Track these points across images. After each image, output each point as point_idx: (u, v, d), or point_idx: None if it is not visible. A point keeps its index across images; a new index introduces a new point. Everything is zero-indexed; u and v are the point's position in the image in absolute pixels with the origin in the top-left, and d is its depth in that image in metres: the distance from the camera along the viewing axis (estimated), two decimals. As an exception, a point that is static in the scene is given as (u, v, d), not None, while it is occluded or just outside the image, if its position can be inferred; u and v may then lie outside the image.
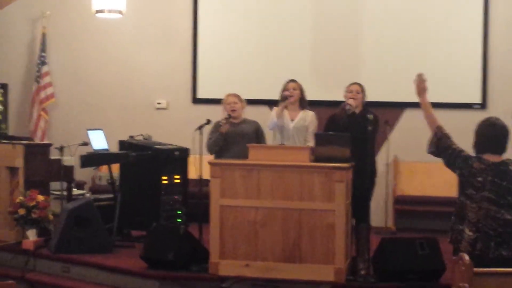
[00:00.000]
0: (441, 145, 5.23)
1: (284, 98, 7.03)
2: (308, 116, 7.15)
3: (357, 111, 6.82)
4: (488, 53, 9.43)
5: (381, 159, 8.50)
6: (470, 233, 5.01)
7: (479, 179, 5.03)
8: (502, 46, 9.43)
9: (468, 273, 4.15)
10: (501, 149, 5.12)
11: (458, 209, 5.13)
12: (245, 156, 6.96)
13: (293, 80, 7.24)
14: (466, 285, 4.01)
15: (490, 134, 5.11)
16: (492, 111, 8.94)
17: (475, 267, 4.28)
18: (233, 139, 7.31)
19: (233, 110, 7.34)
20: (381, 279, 6.30)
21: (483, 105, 9.40)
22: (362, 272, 6.49)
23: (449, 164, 5.22)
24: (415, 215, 9.32)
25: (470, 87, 9.46)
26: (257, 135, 7.41)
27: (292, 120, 7.12)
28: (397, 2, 9.67)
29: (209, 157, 7.26)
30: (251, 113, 7.84)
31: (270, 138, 7.52)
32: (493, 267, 4.47)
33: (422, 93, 5.42)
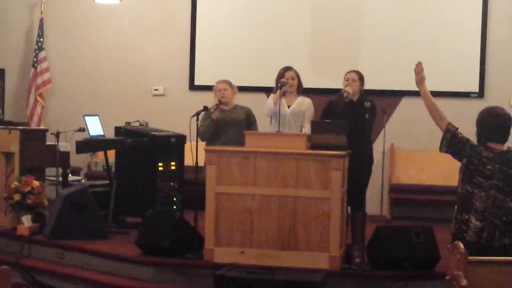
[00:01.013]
0: (453, 142, 5.17)
1: (281, 85, 6.99)
2: (305, 103, 7.12)
3: (355, 98, 6.79)
4: (486, 42, 9.41)
5: (378, 147, 8.48)
6: (477, 222, 5.00)
7: (489, 167, 5.02)
8: (500, 35, 9.41)
9: (463, 261, 4.15)
10: (506, 138, 5.12)
11: (462, 198, 5.10)
12: (235, 142, 6.97)
13: (289, 68, 7.19)
14: (461, 273, 4.00)
15: (495, 124, 5.10)
16: (490, 100, 8.96)
17: (481, 256, 4.28)
18: (224, 126, 7.29)
19: (223, 97, 7.32)
20: (376, 267, 6.31)
21: (480, 94, 9.39)
22: (357, 260, 6.48)
23: (455, 153, 5.18)
24: (411, 203, 9.33)
25: (468, 76, 9.44)
26: (248, 122, 7.38)
27: (289, 106, 7.09)
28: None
29: (205, 144, 7.25)
30: (247, 100, 7.82)
31: (264, 124, 7.48)
32: (498, 256, 4.46)
33: (421, 83, 5.39)
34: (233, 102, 7.48)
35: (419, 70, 5.41)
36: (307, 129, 6.93)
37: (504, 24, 9.40)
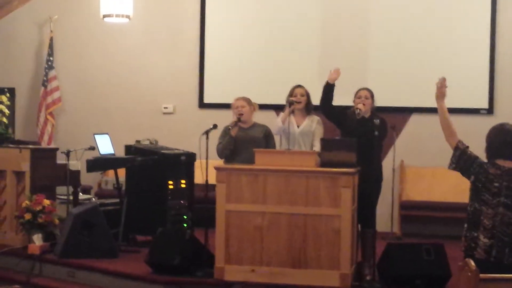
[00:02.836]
0: (462, 160, 5.17)
1: (290, 103, 7.01)
2: (314, 122, 7.13)
3: (366, 115, 6.80)
4: (495, 59, 9.40)
5: (388, 164, 8.47)
6: (486, 240, 4.98)
7: (496, 184, 5.01)
8: (509, 52, 9.40)
9: (474, 279, 4.13)
10: None
11: (471, 216, 5.09)
12: (251, 160, 6.93)
13: (300, 86, 7.21)
14: (473, 291, 4.00)
15: (505, 140, 5.09)
16: (499, 116, 8.94)
17: (491, 274, 4.27)
18: (243, 143, 7.23)
19: (241, 114, 7.28)
20: (387, 284, 6.30)
21: (490, 110, 9.38)
22: (368, 278, 6.48)
23: (463, 171, 5.17)
24: (421, 220, 9.30)
25: (477, 93, 9.44)
26: (267, 140, 7.34)
27: (298, 125, 7.10)
28: (404, 7, 9.65)
29: (215, 162, 7.22)
30: (257, 118, 7.81)
31: (278, 143, 7.49)
32: (509, 273, 4.44)
33: (441, 98, 5.38)
34: (252, 120, 7.43)
35: (441, 85, 5.38)
36: (317, 148, 6.93)
37: (512, 40, 9.41)
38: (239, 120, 7.23)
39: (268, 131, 7.37)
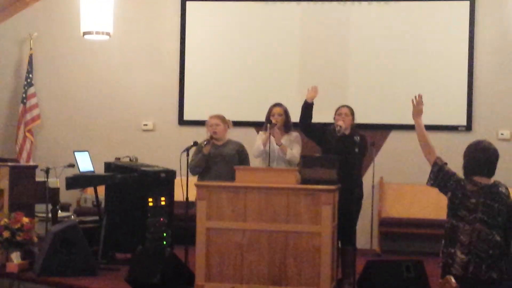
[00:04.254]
0: (440, 176, 5.21)
1: (269, 123, 7.05)
2: (292, 136, 7.17)
3: (346, 133, 6.83)
4: (473, 76, 9.48)
5: (367, 181, 8.49)
6: (462, 256, 5.00)
7: (473, 200, 5.03)
8: (487, 69, 9.50)
9: (455, 296, 4.15)
10: (492, 172, 5.14)
11: (448, 232, 5.11)
12: (225, 177, 6.99)
13: (278, 104, 7.25)
14: (453, 307, 4.01)
15: (482, 158, 5.12)
16: (477, 133, 9.03)
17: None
18: (215, 160, 7.31)
19: (215, 132, 7.35)
20: (368, 301, 6.30)
21: (468, 127, 9.45)
22: (348, 295, 6.49)
23: (441, 187, 5.20)
24: (401, 237, 9.33)
25: (456, 110, 9.51)
26: (240, 156, 7.39)
27: (278, 144, 7.12)
28: (384, 25, 9.72)
29: (195, 179, 7.26)
30: (237, 135, 7.84)
31: (254, 160, 7.50)
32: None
33: (418, 115, 5.42)
34: (226, 137, 7.49)
35: (418, 103, 5.42)
36: (295, 150, 7.04)
37: (490, 58, 9.49)
38: (211, 138, 7.27)
39: (241, 148, 7.42)
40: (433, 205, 8.87)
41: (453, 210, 5.10)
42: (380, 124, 9.55)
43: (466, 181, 5.11)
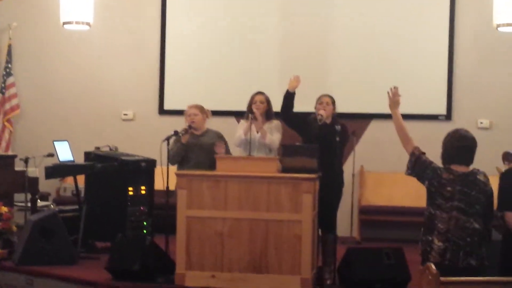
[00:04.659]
0: (417, 165, 5.24)
1: (250, 112, 7.06)
2: (273, 124, 7.18)
3: (327, 122, 6.84)
4: (453, 65, 9.53)
5: (347, 170, 8.51)
6: (440, 244, 5.03)
7: (449, 188, 5.06)
8: (467, 59, 9.54)
9: (435, 282, 4.18)
10: (470, 160, 5.17)
11: (426, 220, 5.15)
12: (204, 166, 7.00)
13: (260, 93, 7.27)
14: (434, 294, 4.04)
15: (460, 146, 5.15)
16: (457, 122, 9.06)
17: (446, 277, 4.31)
18: (193, 149, 7.33)
19: (192, 122, 7.36)
20: (348, 289, 6.34)
21: (448, 117, 9.49)
22: (328, 282, 6.53)
23: (418, 176, 5.24)
24: (380, 225, 9.37)
25: (435, 99, 9.55)
26: None
27: (258, 132, 7.12)
28: (364, 15, 9.73)
29: (176, 168, 7.25)
30: (218, 124, 7.83)
31: (235, 149, 7.51)
32: (463, 277, 4.50)
33: (395, 106, 5.45)
34: (204, 127, 7.51)
35: (394, 94, 5.45)
36: (275, 137, 7.08)
37: (470, 47, 9.54)
38: (190, 127, 7.28)
39: (220, 137, 7.42)
40: (412, 194, 8.90)
41: (430, 199, 5.15)
42: (360, 113, 9.58)
43: (443, 169, 5.14)
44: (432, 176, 5.13)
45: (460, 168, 5.13)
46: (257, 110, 7.09)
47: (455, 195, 5.05)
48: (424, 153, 5.27)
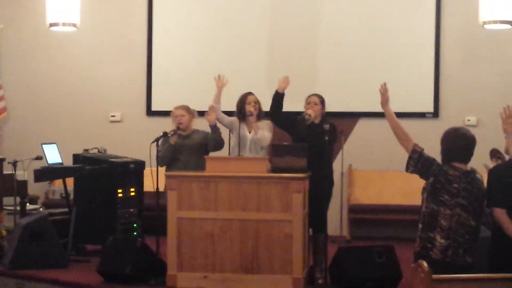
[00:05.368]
0: (421, 162, 5.24)
1: (243, 113, 7.09)
2: (264, 124, 7.17)
3: (316, 121, 6.86)
4: (440, 63, 9.57)
5: (336, 168, 8.49)
6: (442, 241, 5.05)
7: (455, 185, 5.09)
8: (453, 56, 9.58)
9: (428, 280, 4.19)
10: (469, 158, 5.21)
11: (427, 217, 5.16)
12: (193, 167, 7.01)
13: (251, 93, 7.27)
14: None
15: (461, 144, 5.18)
16: (444, 120, 9.12)
17: (445, 274, 4.34)
18: (182, 150, 7.34)
19: (180, 123, 7.37)
20: (339, 287, 6.34)
21: (435, 114, 9.53)
22: (320, 281, 6.55)
23: (422, 173, 5.24)
24: (370, 223, 9.40)
25: (423, 97, 9.59)
26: (208, 141, 7.39)
27: (250, 132, 7.13)
28: (351, 14, 9.75)
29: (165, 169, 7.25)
30: (205, 124, 7.82)
31: (225, 149, 7.51)
32: (462, 274, 4.53)
33: (386, 103, 5.46)
34: (191, 127, 7.51)
35: (384, 91, 5.47)
36: (265, 132, 7.06)
37: (456, 45, 9.58)
38: (178, 128, 7.29)
39: (207, 136, 7.42)
40: (401, 191, 8.96)
41: (434, 195, 5.15)
42: (348, 112, 9.60)
43: (447, 166, 5.17)
44: (438, 172, 5.15)
45: (461, 166, 5.17)
46: (253, 110, 7.09)
47: (460, 192, 5.09)
48: (423, 149, 5.28)
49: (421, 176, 5.24)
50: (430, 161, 5.20)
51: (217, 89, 7.38)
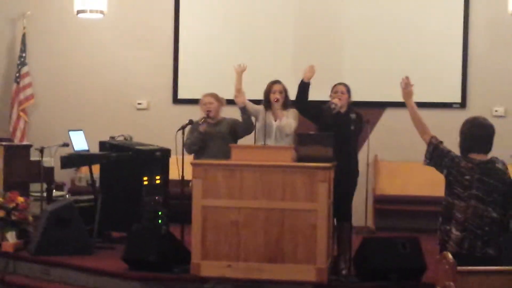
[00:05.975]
0: (435, 154, 5.21)
1: (269, 101, 7.06)
2: (290, 113, 7.13)
3: (342, 111, 6.82)
4: (468, 53, 9.49)
5: (362, 159, 8.44)
6: (457, 233, 5.02)
7: (467, 177, 5.05)
8: (481, 47, 9.49)
9: (452, 271, 4.17)
10: (488, 148, 5.16)
11: (444, 209, 5.14)
12: (221, 155, 6.97)
13: (277, 81, 7.22)
14: (452, 283, 4.03)
15: (479, 134, 5.13)
16: (472, 110, 9.03)
17: (463, 266, 4.31)
18: (210, 138, 7.31)
19: (209, 111, 7.34)
20: (363, 278, 6.33)
21: (462, 104, 9.46)
22: (344, 272, 6.52)
23: (437, 165, 5.22)
24: (395, 214, 9.36)
25: (450, 87, 9.53)
26: (234, 132, 7.37)
27: (276, 120, 7.10)
28: (379, 3, 9.70)
29: (191, 158, 7.24)
30: (231, 113, 7.81)
31: (250, 137, 7.49)
32: (481, 266, 4.50)
33: (408, 97, 5.43)
34: (220, 115, 7.48)
35: (406, 84, 5.43)
36: (290, 119, 7.01)
37: (484, 35, 9.49)
38: (207, 116, 7.26)
39: (234, 123, 7.39)
40: (428, 183, 8.86)
41: (449, 188, 5.13)
42: (374, 102, 9.54)
43: (461, 158, 5.13)
44: (451, 164, 5.11)
45: (479, 157, 5.12)
46: (277, 101, 7.05)
47: (473, 184, 5.04)
48: (441, 142, 5.25)
49: (436, 169, 5.21)
50: (444, 153, 5.16)
51: (236, 75, 7.33)
